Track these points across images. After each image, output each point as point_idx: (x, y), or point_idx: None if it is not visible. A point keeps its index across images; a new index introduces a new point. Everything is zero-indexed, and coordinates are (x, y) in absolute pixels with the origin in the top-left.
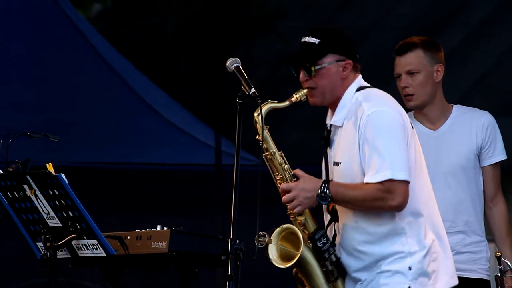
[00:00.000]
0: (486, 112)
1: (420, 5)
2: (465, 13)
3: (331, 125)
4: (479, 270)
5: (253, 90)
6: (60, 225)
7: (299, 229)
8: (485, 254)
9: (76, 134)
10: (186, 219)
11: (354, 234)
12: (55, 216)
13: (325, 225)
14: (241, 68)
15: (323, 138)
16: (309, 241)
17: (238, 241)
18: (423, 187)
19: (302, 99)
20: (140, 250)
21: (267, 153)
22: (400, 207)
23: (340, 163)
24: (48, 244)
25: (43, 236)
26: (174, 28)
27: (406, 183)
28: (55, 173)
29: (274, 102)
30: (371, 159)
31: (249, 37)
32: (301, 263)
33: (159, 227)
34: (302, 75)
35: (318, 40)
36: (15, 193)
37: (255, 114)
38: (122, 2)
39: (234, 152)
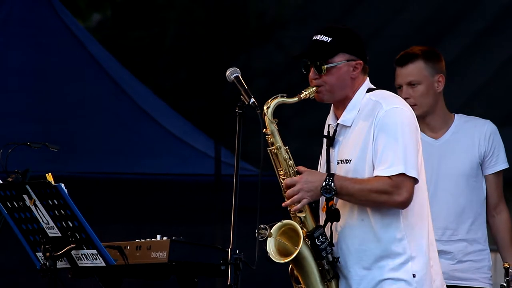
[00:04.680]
0: (488, 120)
1: (421, 14)
2: (465, 23)
3: (337, 124)
4: (481, 279)
5: (252, 100)
6: (60, 235)
7: (299, 225)
8: (487, 262)
9: (75, 144)
10: (186, 229)
11: (359, 233)
12: (54, 226)
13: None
14: (241, 78)
15: (327, 138)
16: (307, 239)
17: (237, 251)
18: (424, 192)
19: (310, 96)
20: (139, 260)
21: (273, 147)
22: (405, 203)
23: (350, 160)
24: (47, 254)
25: (42, 246)
26: (174, 38)
27: (415, 181)
28: (55, 183)
29: (284, 97)
30: (385, 153)
31: (248, 48)
32: (298, 260)
33: (158, 237)
34: (312, 73)
35: (330, 39)
36: (15, 203)
37: (265, 107)
38: (121, 12)
39: (234, 162)
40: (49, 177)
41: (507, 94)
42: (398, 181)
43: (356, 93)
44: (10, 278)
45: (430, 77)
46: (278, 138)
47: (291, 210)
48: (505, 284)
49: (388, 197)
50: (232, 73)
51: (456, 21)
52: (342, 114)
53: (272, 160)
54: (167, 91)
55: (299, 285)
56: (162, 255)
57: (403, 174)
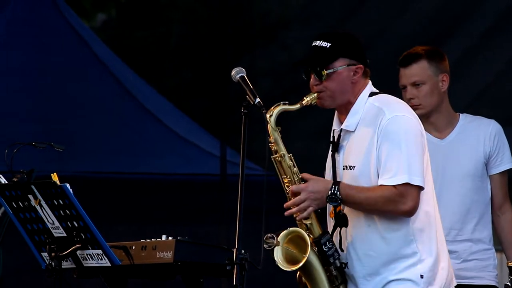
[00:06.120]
0: (493, 120)
1: (424, 15)
2: (468, 23)
3: (341, 129)
4: (488, 277)
5: (258, 99)
6: (65, 235)
7: (305, 232)
8: (493, 261)
9: (80, 144)
10: (191, 229)
11: (366, 238)
12: (60, 226)
13: (330, 230)
14: (246, 78)
15: (332, 143)
16: (314, 245)
17: (243, 251)
18: (431, 194)
19: (312, 102)
20: (145, 260)
21: (276, 155)
22: (411, 212)
23: (354, 166)
24: (53, 254)
25: (48, 246)
26: (178, 38)
27: (420, 189)
28: (60, 183)
29: (286, 104)
30: (388, 162)
31: (253, 48)
32: (306, 267)
33: (164, 237)
34: (312, 79)
35: (329, 44)
36: (20, 203)
37: (267, 115)
38: (126, 12)
39: (239, 161)
40: (54, 177)
41: (511, 94)
42: (403, 190)
43: (358, 97)
44: (15, 278)
45: (434, 76)
46: (281, 146)
47: (298, 219)
48: (509, 284)
49: (394, 206)
50: (237, 73)
51: (460, 21)
52: (345, 119)
53: (276, 168)
54: (171, 91)
55: None
56: (168, 255)
57: (407, 183)
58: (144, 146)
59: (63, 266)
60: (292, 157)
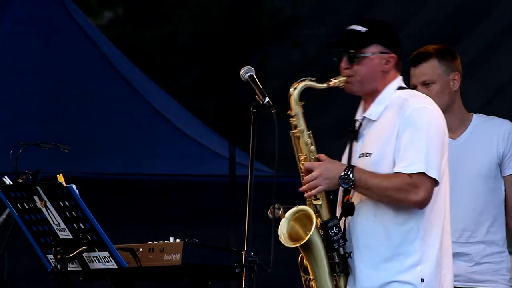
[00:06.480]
0: (507, 120)
1: (440, 13)
2: (484, 22)
3: (363, 118)
4: (501, 281)
5: (267, 99)
6: (71, 237)
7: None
8: (506, 264)
9: (87, 145)
10: (200, 231)
11: (370, 229)
12: (65, 228)
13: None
14: (255, 77)
15: (352, 131)
16: (321, 228)
17: (252, 253)
18: (445, 197)
19: (340, 85)
20: (152, 263)
21: (295, 130)
22: (422, 203)
23: (371, 153)
24: (58, 256)
25: (53, 248)
26: (187, 36)
27: (434, 182)
28: (66, 184)
29: (313, 81)
30: (407, 150)
31: (263, 46)
32: (309, 248)
33: (172, 239)
34: (343, 62)
35: (365, 29)
36: (25, 205)
37: (291, 89)
38: (133, 10)
39: (248, 163)
40: (60, 178)
41: None
42: (417, 180)
43: (386, 87)
44: (21, 281)
45: (445, 75)
46: (302, 121)
47: (306, 196)
48: None
49: (405, 195)
50: (246, 72)
51: (476, 20)
52: (369, 108)
53: (294, 144)
54: (180, 91)
55: (308, 276)
56: (176, 258)
57: (423, 174)
58: (152, 146)
59: (69, 269)
60: (311, 135)
